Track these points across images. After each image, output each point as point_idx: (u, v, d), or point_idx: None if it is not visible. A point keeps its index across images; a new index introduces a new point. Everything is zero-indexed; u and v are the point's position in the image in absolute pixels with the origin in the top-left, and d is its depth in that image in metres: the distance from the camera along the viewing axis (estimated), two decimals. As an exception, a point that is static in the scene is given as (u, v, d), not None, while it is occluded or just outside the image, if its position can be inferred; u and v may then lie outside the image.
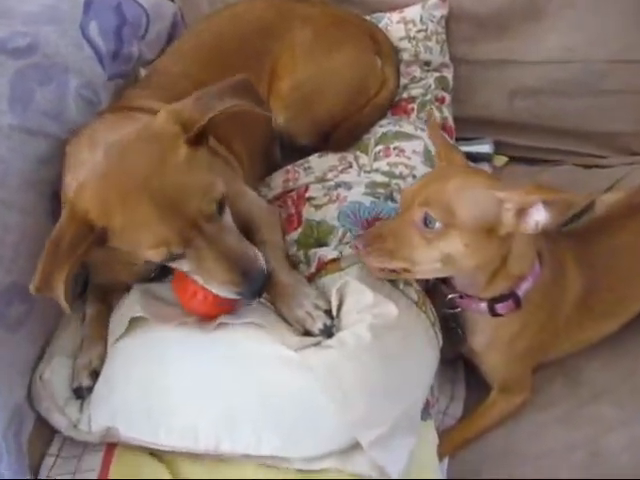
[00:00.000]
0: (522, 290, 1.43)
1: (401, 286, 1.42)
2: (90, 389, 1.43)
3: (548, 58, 2.07)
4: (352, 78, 1.83)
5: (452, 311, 1.49)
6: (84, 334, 1.52)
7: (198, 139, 1.27)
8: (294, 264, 1.50)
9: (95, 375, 1.43)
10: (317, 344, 1.34)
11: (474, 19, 2.07)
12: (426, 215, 1.28)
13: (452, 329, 1.51)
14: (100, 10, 1.79)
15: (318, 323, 1.35)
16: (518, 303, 1.43)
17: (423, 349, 1.41)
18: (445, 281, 1.47)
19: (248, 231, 1.43)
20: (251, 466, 1.33)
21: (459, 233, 1.28)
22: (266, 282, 1.33)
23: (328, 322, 1.36)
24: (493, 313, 1.44)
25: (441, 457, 1.46)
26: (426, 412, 1.45)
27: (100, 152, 1.25)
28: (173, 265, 1.30)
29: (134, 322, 1.40)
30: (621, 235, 1.60)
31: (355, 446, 1.30)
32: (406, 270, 1.36)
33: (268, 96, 1.76)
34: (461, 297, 1.46)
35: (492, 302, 1.44)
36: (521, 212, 1.26)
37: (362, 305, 1.36)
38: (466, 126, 2.07)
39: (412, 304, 1.41)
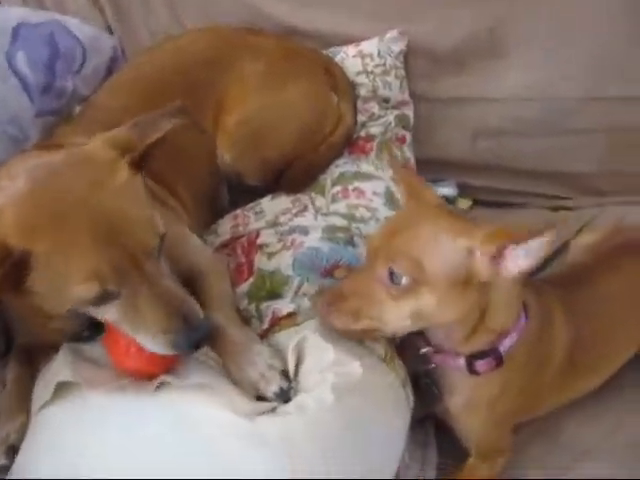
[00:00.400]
0: (505, 346, 1.27)
1: (366, 340, 1.27)
2: (7, 468, 1.22)
3: (509, 96, 1.97)
4: (306, 114, 1.69)
5: (426, 367, 1.33)
6: (1, 404, 1.32)
7: (139, 164, 1.14)
8: (245, 319, 1.34)
9: (13, 451, 1.24)
10: (273, 410, 1.18)
11: (431, 55, 1.98)
12: (391, 271, 1.14)
13: (425, 386, 1.35)
14: (29, 40, 1.65)
15: (273, 386, 1.20)
16: (499, 361, 1.28)
17: (392, 413, 1.26)
18: (418, 333, 1.31)
19: (192, 282, 1.28)
20: None
21: (429, 289, 1.14)
22: (207, 334, 1.16)
23: (284, 385, 1.20)
24: (471, 371, 1.29)
25: None
26: (396, 481, 1.29)
27: (21, 179, 1.10)
28: (99, 311, 1.12)
29: (62, 387, 1.21)
30: (607, 281, 1.46)
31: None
32: (374, 329, 1.21)
33: (214, 133, 1.62)
34: (436, 352, 1.31)
35: (471, 358, 1.28)
36: (497, 258, 1.12)
37: (324, 363, 1.21)
38: (427, 167, 1.94)
39: (379, 361, 1.26)
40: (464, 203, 2.07)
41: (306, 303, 1.30)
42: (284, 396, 1.19)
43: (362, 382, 1.20)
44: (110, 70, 1.88)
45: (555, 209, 2.05)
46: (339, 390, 1.17)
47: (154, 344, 1.14)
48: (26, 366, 1.38)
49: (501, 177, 2.07)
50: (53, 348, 1.34)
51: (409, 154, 1.85)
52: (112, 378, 1.21)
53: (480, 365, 1.28)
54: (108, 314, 1.13)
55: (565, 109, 1.95)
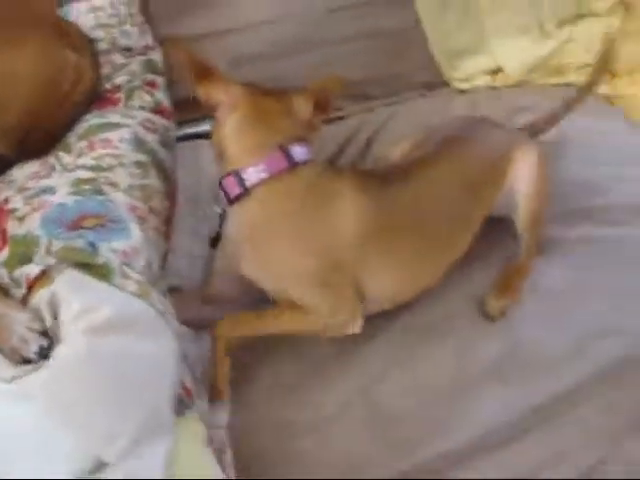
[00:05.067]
0: (248, 174, 1.44)
1: (116, 280, 1.31)
2: None
3: (261, 20, 2.05)
4: (35, 78, 1.65)
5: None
6: None
7: None
8: (5, 291, 1.35)
9: None
10: (36, 369, 1.20)
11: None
12: None
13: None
14: None
15: (32, 346, 1.23)
16: (243, 188, 1.45)
17: (154, 344, 1.29)
18: None
19: None
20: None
21: None
22: None
23: (44, 342, 1.23)
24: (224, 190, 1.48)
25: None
26: (183, 406, 1.33)
27: None
28: None
29: None
30: (428, 172, 1.59)
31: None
32: None
33: None
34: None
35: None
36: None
37: (74, 312, 1.24)
38: (189, 107, 1.93)
39: (132, 297, 1.30)
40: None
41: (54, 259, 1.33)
42: (44, 354, 1.22)
43: (114, 321, 1.24)
44: None
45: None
46: (90, 333, 1.20)
47: None
48: None
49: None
50: None
51: (161, 97, 1.86)
52: None
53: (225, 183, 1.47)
54: None
55: (316, 22, 2.04)
